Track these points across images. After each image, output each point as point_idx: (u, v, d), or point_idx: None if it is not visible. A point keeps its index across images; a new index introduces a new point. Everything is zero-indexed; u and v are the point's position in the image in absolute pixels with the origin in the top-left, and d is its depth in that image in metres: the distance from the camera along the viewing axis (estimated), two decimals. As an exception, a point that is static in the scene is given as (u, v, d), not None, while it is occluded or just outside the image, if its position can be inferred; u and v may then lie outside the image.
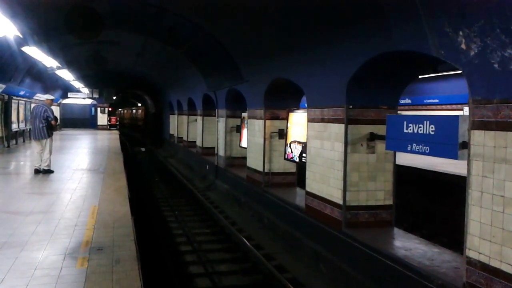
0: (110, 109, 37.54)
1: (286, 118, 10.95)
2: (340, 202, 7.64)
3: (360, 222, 7.56)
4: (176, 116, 27.65)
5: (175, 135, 27.89)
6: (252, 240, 9.76)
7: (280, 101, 11.59)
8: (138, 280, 4.60)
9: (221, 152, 16.42)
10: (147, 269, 6.35)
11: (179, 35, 13.91)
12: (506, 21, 4.30)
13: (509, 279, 4.39)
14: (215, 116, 17.69)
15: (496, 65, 4.47)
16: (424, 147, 5.74)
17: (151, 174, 21.04)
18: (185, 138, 24.61)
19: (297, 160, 10.26)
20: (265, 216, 11.15)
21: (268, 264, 8.09)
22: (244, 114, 14.15)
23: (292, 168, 11.79)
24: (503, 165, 4.45)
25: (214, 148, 17.85)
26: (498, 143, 4.52)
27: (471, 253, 4.90)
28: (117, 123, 43.28)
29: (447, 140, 5.32)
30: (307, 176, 9.01)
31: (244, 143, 14.23)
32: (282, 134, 11.32)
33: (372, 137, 7.49)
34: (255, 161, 12.49)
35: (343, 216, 7.56)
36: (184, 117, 24.68)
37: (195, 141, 22.03)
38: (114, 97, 38.09)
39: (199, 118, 20.90)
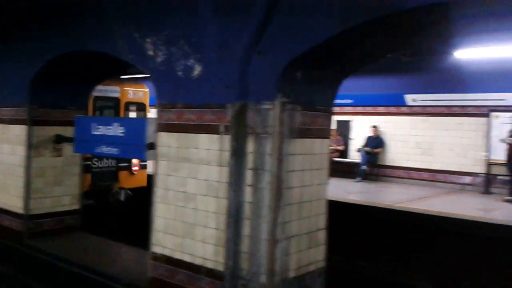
0: None
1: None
2: (22, 211, 6.92)
3: (45, 230, 7.03)
4: None
5: None
6: None
7: None
8: None
9: None
10: None
11: None
12: (189, 34, 4.77)
13: (190, 268, 4.82)
14: None
15: (180, 73, 4.89)
16: (113, 149, 5.77)
17: None
18: None
19: (-34, 166, 8.70)
20: None
21: None
22: None
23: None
24: (185, 164, 4.88)
25: None
26: (181, 143, 4.93)
27: (156, 248, 5.17)
28: None
29: (135, 142, 5.49)
30: (-20, 185, 7.76)
31: None
32: None
33: (59, 139, 7.08)
34: None
35: (25, 226, 6.88)
36: None
37: None
38: None
39: None
